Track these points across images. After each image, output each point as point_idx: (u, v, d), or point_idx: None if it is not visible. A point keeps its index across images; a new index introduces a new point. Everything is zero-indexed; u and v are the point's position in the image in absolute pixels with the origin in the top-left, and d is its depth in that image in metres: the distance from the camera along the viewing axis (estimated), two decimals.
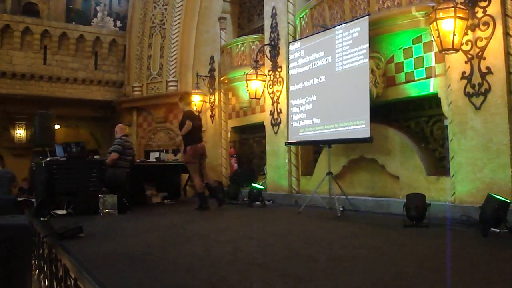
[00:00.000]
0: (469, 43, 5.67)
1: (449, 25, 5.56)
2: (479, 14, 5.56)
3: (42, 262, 5.25)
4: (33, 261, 5.45)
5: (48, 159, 7.50)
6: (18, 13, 15.33)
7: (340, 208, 6.49)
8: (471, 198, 5.64)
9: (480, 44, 5.55)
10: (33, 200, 9.18)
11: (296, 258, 3.75)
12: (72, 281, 3.48)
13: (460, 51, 5.73)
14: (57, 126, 15.44)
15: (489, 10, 5.46)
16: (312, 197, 7.37)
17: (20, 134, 16.82)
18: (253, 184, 8.69)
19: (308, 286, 2.88)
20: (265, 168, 9.87)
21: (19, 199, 9.62)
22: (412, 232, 4.96)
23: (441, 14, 5.58)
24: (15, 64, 14.38)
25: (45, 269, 4.96)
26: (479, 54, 5.57)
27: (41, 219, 6.58)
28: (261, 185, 8.87)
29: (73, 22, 16.18)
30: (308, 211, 7.05)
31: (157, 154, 10.94)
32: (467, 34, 5.67)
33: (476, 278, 3.02)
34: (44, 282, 4.96)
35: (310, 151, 9.26)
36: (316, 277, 3.09)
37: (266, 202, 8.43)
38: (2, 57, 14.21)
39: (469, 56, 5.68)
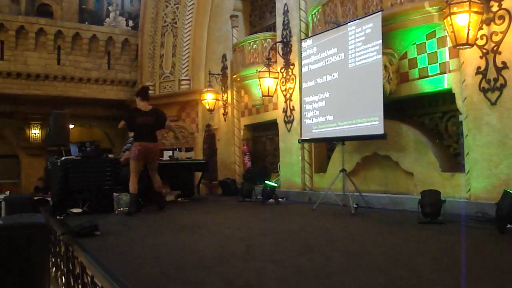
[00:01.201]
0: (484, 37, 5.61)
1: (463, 19, 5.50)
2: (494, 8, 5.49)
3: (59, 259, 5.30)
4: (50, 259, 5.51)
5: (63, 158, 7.57)
6: (32, 14, 15.51)
7: (354, 205, 6.47)
8: (486, 194, 5.59)
9: (496, 38, 5.48)
10: (49, 199, 9.27)
11: (311, 255, 3.74)
12: (89, 279, 3.51)
13: (474, 46, 5.67)
14: (71, 126, 15.58)
15: (505, 4, 5.39)
16: (326, 194, 7.35)
17: (35, 133, 16.98)
18: (266, 182, 8.68)
19: (323, 282, 2.88)
20: (279, 166, 9.87)
21: (35, 198, 9.73)
22: (427, 229, 4.93)
23: (455, 9, 5.52)
24: (30, 65, 14.55)
25: (62, 267, 5.01)
26: (495, 48, 5.50)
27: (57, 217, 6.65)
28: (274, 182, 8.86)
29: (86, 22, 16.32)
30: (322, 208, 7.05)
31: (170, 153, 10.99)
32: (482, 29, 5.61)
33: (492, 275, 2.99)
34: (61, 279, 5.01)
35: (323, 148, 9.24)
36: (331, 273, 3.09)
37: (279, 199, 8.42)
38: (17, 58, 14.39)
39: (484, 50, 5.62)
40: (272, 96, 9.81)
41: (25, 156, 17.07)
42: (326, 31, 7.76)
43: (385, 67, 6.91)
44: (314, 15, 8.52)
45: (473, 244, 4.04)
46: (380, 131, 6.47)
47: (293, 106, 9.27)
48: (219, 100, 12.54)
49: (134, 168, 7.19)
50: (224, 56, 12.67)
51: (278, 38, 9.76)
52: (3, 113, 16.06)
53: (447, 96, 6.66)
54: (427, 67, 6.85)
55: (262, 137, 11.72)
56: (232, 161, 12.08)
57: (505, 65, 5.39)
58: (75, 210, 7.25)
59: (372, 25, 6.70)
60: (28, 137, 16.97)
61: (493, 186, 5.51)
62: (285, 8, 9.57)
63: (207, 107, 12.50)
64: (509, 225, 4.58)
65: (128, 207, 7.10)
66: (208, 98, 12.37)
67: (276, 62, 9.77)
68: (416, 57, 7.04)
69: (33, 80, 14.67)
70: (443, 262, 3.40)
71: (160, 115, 7.53)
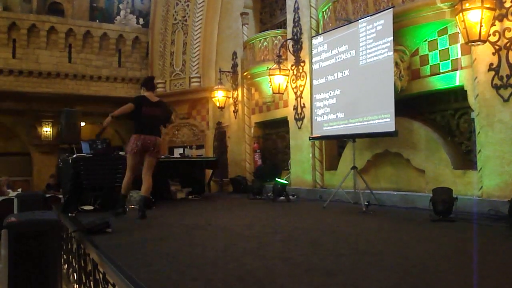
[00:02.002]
0: (497, 34, 5.55)
1: (476, 16, 5.46)
2: (507, 3, 5.43)
3: (70, 256, 5.34)
4: (62, 256, 5.56)
5: (74, 155, 7.62)
6: (44, 12, 15.62)
7: (365, 203, 6.45)
8: (499, 192, 5.54)
9: (508, 34, 5.43)
10: (60, 196, 9.35)
11: (322, 252, 3.74)
12: (101, 275, 3.53)
13: (487, 42, 5.62)
14: (82, 124, 15.66)
15: None
16: (337, 192, 7.34)
17: (47, 131, 17.08)
18: (277, 179, 8.68)
19: (334, 280, 2.87)
20: (289, 163, 9.86)
21: (47, 195, 9.81)
22: (439, 227, 4.91)
23: (467, 5, 5.48)
24: (41, 63, 14.64)
25: (74, 264, 5.04)
26: (507, 45, 5.45)
27: (69, 214, 6.69)
28: (285, 180, 8.86)
29: (97, 21, 16.40)
30: (333, 205, 7.03)
31: (181, 150, 11.04)
32: (495, 25, 5.56)
33: (505, 273, 2.97)
34: (73, 276, 5.05)
35: (334, 146, 9.22)
36: (342, 271, 3.08)
37: (290, 197, 8.42)
38: (28, 56, 14.49)
39: (497, 47, 5.57)
40: (282, 94, 9.81)
41: (37, 154, 17.18)
42: (337, 28, 7.73)
43: (396, 64, 6.87)
44: (324, 12, 8.49)
45: (485, 242, 4.01)
46: (392, 128, 6.44)
47: (303, 104, 9.25)
48: (229, 98, 12.55)
49: (130, 164, 6.42)
50: (234, 54, 12.67)
51: (289, 35, 9.74)
52: (15, 111, 16.17)
53: (459, 93, 6.61)
54: (438, 64, 6.80)
55: (273, 135, 11.71)
56: (242, 158, 12.09)
57: None
58: (86, 207, 7.30)
59: (383, 22, 6.66)
60: (39, 135, 17.07)
61: (505, 184, 5.46)
62: (296, 5, 9.55)
63: (218, 104, 12.51)
64: None
65: (119, 207, 6.38)
66: (219, 96, 12.39)
67: (286, 59, 9.76)
68: (427, 54, 6.99)
69: (45, 78, 14.76)
70: (455, 260, 3.38)
71: (167, 108, 6.92)
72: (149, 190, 6.44)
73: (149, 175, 6.48)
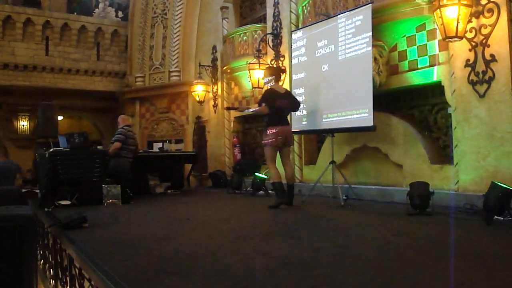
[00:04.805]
0: (473, 30, 5.62)
1: (453, 12, 5.51)
2: (484, 1, 5.50)
3: (47, 252, 5.28)
4: (38, 251, 5.49)
5: (51, 150, 7.53)
6: (19, 4, 15.30)
7: (344, 197, 6.49)
8: (474, 186, 5.63)
9: (484, 31, 5.50)
10: (37, 191, 9.22)
11: (300, 246, 3.75)
12: (77, 271, 3.50)
13: (464, 38, 5.69)
14: (60, 117, 15.45)
15: None
16: (315, 186, 7.36)
17: (23, 125, 16.84)
18: (256, 174, 8.69)
19: (312, 274, 2.88)
20: None
21: (23, 190, 9.67)
22: (416, 221, 4.96)
23: (445, 1, 5.53)
24: (17, 56, 14.37)
25: (50, 259, 4.99)
26: (483, 41, 5.52)
27: (46, 209, 6.61)
28: (264, 174, 8.86)
29: (75, 13, 16.16)
30: (312, 200, 7.06)
31: (160, 144, 10.99)
32: (471, 22, 5.63)
33: (480, 266, 3.01)
34: (49, 271, 5.00)
35: (313, 140, 9.24)
36: (320, 265, 3.10)
37: (269, 191, 8.42)
38: (4, 48, 14.19)
39: (473, 43, 5.64)
40: (262, 88, 9.77)
41: (13, 148, 16.91)
42: (317, 23, 7.74)
43: (375, 59, 6.90)
44: (304, 7, 8.48)
45: (461, 235, 4.07)
46: (370, 123, 6.48)
47: None
48: (209, 92, 12.50)
49: (272, 155, 6.63)
50: (214, 48, 12.61)
51: (269, 30, 9.73)
52: None
53: (437, 89, 6.68)
54: (416, 59, 6.86)
55: (252, 129, 11.71)
56: (222, 153, 12.06)
57: (493, 58, 5.42)
58: (63, 202, 7.22)
59: (362, 17, 6.68)
60: (16, 129, 16.83)
61: (481, 178, 5.55)
62: (276, 0, 9.53)
63: (197, 99, 12.44)
64: (496, 217, 4.63)
65: (276, 196, 6.61)
66: (198, 90, 12.32)
67: (266, 53, 9.74)
68: (406, 50, 7.04)
69: (21, 71, 14.50)
70: (431, 253, 3.42)
71: (295, 99, 7.08)
72: (294, 178, 7.01)
73: (289, 162, 6.91)
